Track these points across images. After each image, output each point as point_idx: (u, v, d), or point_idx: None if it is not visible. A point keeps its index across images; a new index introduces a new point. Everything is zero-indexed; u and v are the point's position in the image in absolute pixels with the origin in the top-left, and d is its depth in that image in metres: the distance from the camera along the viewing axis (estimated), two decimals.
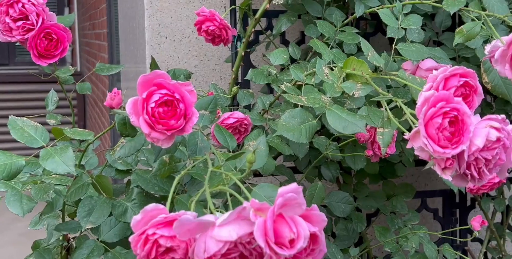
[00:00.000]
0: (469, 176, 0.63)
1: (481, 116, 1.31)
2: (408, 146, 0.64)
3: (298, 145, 1.06)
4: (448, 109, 0.62)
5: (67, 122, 1.15)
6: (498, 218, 1.39)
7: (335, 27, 1.09)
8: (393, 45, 0.97)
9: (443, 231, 1.24)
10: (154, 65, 1.02)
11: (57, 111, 1.13)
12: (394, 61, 1.05)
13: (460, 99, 0.63)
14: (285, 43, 1.29)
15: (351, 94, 0.80)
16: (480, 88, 0.68)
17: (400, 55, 1.01)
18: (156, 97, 0.68)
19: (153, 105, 0.67)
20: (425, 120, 0.62)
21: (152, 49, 1.32)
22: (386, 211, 1.20)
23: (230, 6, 1.23)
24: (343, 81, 0.83)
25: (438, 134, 0.61)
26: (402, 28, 1.00)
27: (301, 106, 0.83)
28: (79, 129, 0.80)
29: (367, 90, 0.80)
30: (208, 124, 0.79)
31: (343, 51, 1.08)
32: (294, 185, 0.59)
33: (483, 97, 0.68)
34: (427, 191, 1.32)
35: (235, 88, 1.06)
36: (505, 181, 1.02)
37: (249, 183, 1.22)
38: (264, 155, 0.75)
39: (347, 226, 1.17)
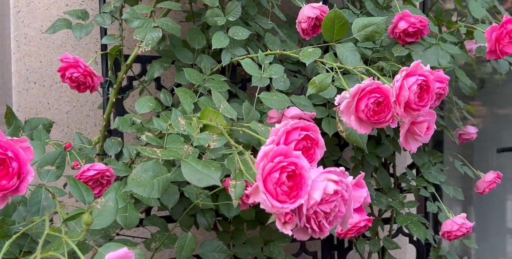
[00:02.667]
0: (309, 230, 0.64)
1: (353, 159, 1.35)
2: (250, 201, 0.64)
3: (167, 195, 1.03)
4: (285, 163, 0.62)
5: None
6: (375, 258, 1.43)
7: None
8: (256, 94, 0.98)
9: None
10: (9, 115, 0.97)
11: None
12: (264, 107, 1.06)
13: (299, 153, 0.64)
14: (161, 88, 1.28)
15: (207, 146, 0.79)
16: (321, 141, 0.69)
17: None
18: None
19: None
20: (263, 175, 0.62)
21: (19, 95, 1.26)
22: (262, 258, 1.19)
23: (102, 52, 1.21)
24: (201, 131, 0.82)
25: (276, 189, 0.61)
26: (269, 77, 1.02)
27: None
28: None
29: (223, 141, 0.80)
30: (54, 180, 0.75)
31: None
32: (123, 250, 0.56)
33: (325, 149, 0.70)
34: None
35: (96, 138, 1.03)
36: (371, 225, 1.05)
37: (120, 234, 1.17)
38: (112, 213, 0.72)
39: None
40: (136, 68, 1.24)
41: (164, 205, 1.02)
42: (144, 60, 1.24)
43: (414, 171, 1.44)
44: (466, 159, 1.46)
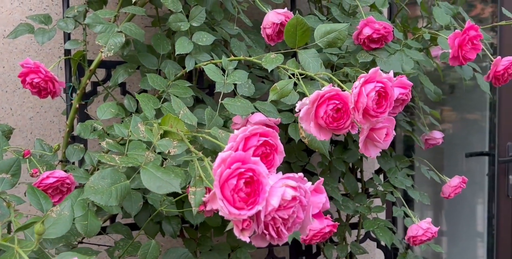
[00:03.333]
0: (267, 236, 0.63)
1: (321, 165, 1.35)
2: (207, 208, 0.63)
3: (130, 202, 1.02)
4: (243, 169, 0.61)
5: None
6: None
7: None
8: (220, 100, 0.97)
9: None
10: None
11: None
12: (230, 113, 1.06)
13: (258, 159, 0.63)
14: (126, 94, 1.26)
15: (167, 152, 0.79)
16: (281, 147, 0.69)
17: None
18: None
19: None
20: (220, 181, 0.61)
21: None
22: None
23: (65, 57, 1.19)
24: (161, 138, 0.81)
25: (234, 196, 0.61)
26: (233, 83, 1.01)
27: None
28: None
29: (183, 148, 0.79)
30: (8, 189, 0.73)
31: None
32: None
33: (284, 155, 0.69)
34: None
35: (56, 145, 1.01)
36: (336, 230, 1.05)
37: (84, 242, 1.15)
38: (67, 221, 0.70)
39: None
40: (101, 73, 1.23)
41: (128, 212, 1.00)
42: (108, 65, 1.22)
43: (381, 176, 1.45)
44: (436, 163, 1.48)
